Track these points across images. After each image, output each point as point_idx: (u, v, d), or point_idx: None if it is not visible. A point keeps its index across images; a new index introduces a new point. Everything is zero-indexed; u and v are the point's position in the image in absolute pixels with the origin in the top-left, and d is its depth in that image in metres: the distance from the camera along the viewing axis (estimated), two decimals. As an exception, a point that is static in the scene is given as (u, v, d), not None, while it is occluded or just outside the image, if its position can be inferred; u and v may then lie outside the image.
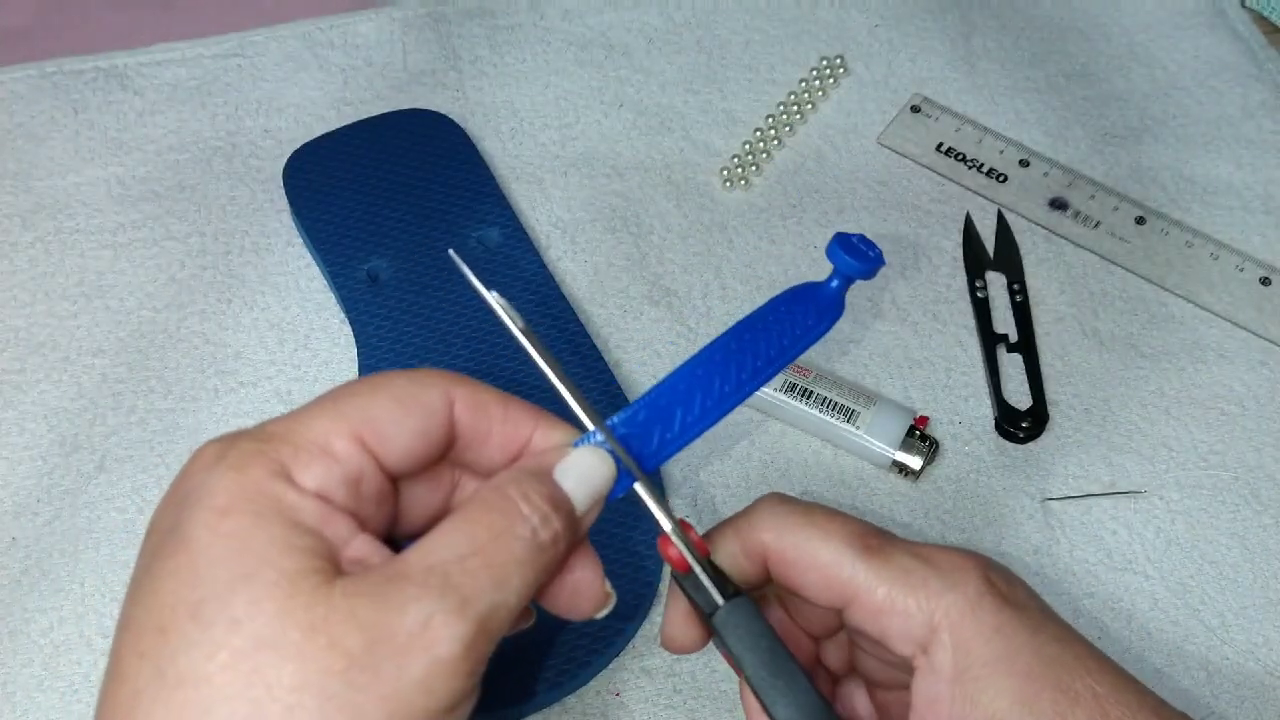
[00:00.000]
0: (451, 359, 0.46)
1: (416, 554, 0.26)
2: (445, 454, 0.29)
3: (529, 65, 0.57)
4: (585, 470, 0.29)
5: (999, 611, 0.29)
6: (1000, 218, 0.53)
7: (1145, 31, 0.60)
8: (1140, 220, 0.53)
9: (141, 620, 0.25)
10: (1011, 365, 0.48)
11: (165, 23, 0.58)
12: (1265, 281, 0.51)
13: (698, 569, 0.31)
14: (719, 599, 0.31)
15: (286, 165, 0.51)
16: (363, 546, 0.26)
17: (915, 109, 0.56)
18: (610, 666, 0.40)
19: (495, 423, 0.30)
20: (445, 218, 0.50)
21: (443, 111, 0.54)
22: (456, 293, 0.48)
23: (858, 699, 0.35)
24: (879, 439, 0.45)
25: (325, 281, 0.49)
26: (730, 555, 0.32)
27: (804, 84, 0.57)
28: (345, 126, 0.53)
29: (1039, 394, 0.47)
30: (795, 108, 0.56)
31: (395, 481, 0.29)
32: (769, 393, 0.45)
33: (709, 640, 0.33)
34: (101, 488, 0.44)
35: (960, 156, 0.55)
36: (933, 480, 0.45)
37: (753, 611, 0.31)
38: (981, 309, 0.50)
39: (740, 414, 0.46)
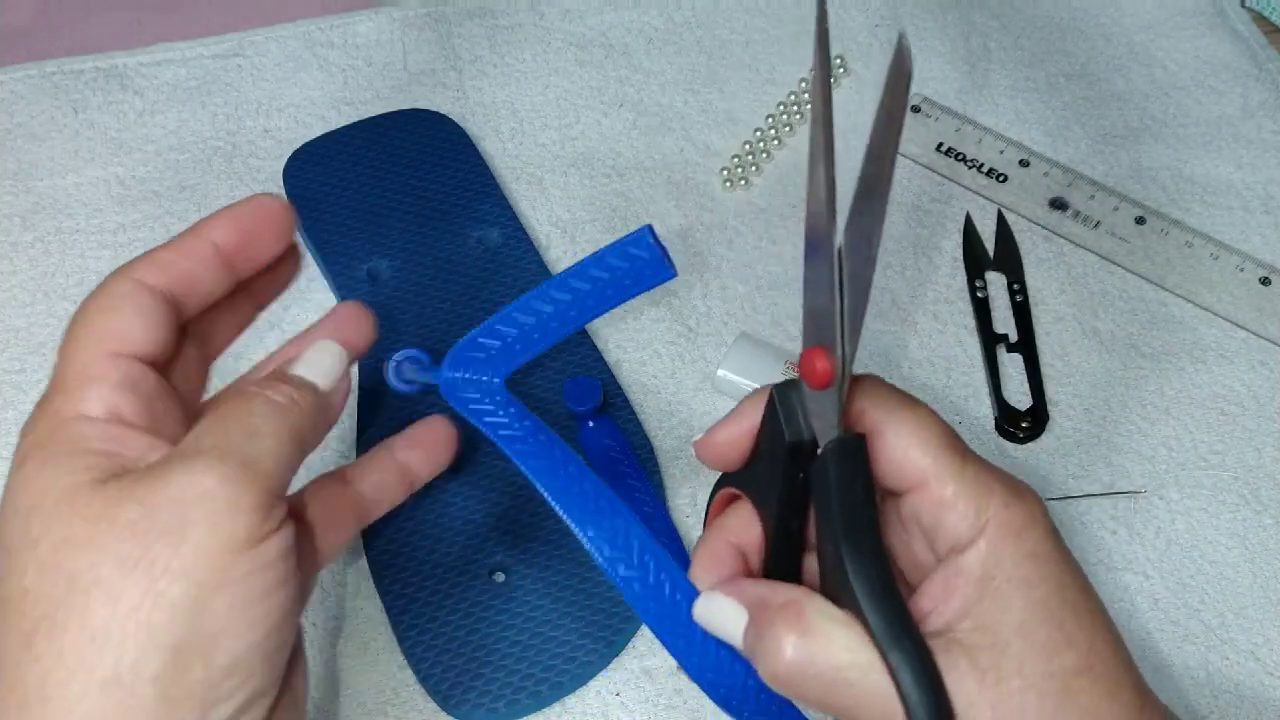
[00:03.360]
0: (451, 359, 0.46)
1: (181, 444, 0.29)
2: (182, 309, 0.32)
3: (529, 65, 0.58)
4: (316, 363, 0.33)
5: (1040, 543, 0.30)
6: (1000, 218, 0.53)
7: (1145, 31, 0.60)
8: (1140, 220, 0.53)
9: None
10: (1011, 365, 0.48)
11: (165, 23, 0.58)
12: (1265, 281, 0.51)
13: (838, 392, 0.29)
14: (836, 429, 0.29)
15: (286, 165, 0.51)
16: (162, 453, 0.29)
17: (915, 109, 0.56)
18: (610, 666, 0.40)
19: (188, 262, 0.32)
20: (445, 218, 0.50)
21: (443, 111, 0.54)
22: (457, 292, 0.48)
23: None
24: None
25: (326, 281, 0.49)
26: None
27: (804, 84, 0.57)
28: (345, 126, 0.53)
29: (1039, 394, 0.47)
30: (795, 108, 0.56)
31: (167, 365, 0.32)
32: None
33: (744, 462, 0.32)
34: (102, 488, 0.44)
35: (960, 156, 0.55)
36: (933, 480, 0.45)
37: (864, 452, 0.30)
38: (981, 309, 0.50)
39: (740, 414, 0.46)
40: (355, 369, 0.47)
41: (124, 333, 0.30)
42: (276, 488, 0.29)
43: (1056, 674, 0.28)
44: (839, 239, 0.29)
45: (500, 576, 0.41)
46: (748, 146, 0.55)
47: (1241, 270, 0.51)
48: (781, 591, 0.30)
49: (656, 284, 0.35)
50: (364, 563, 0.42)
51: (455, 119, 0.54)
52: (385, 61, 0.57)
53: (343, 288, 0.48)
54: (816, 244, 0.29)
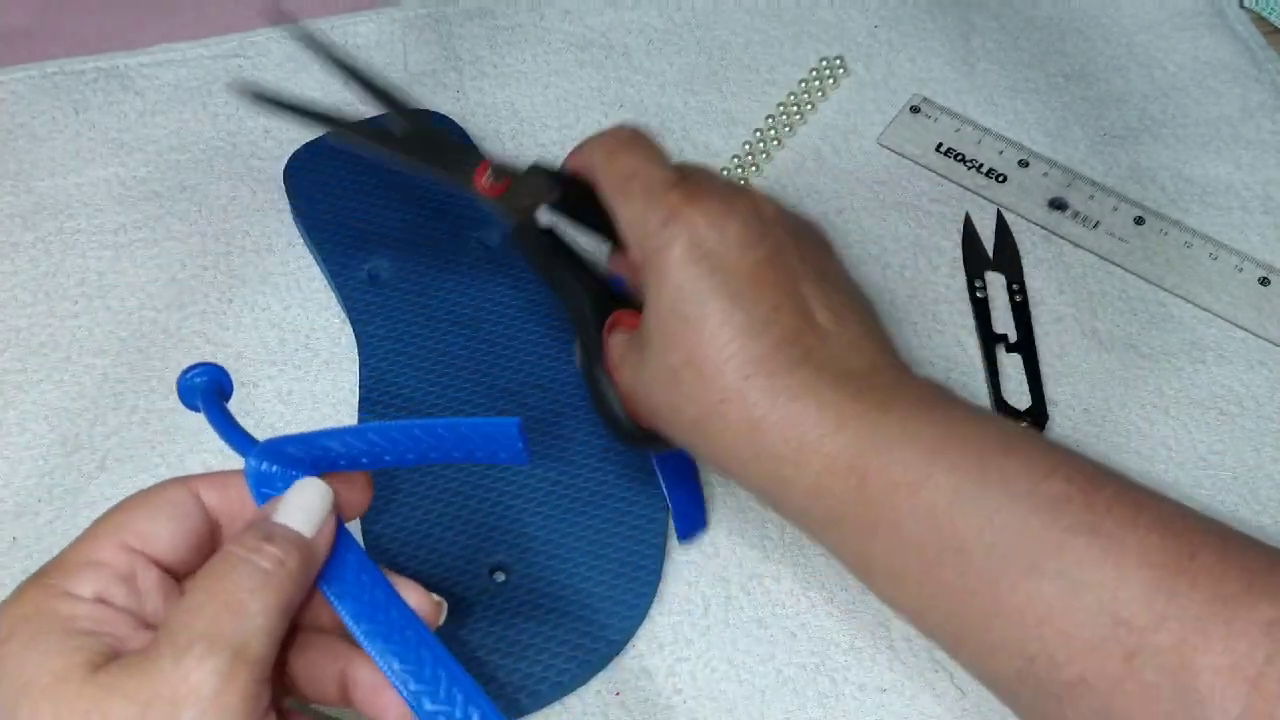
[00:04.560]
0: (451, 359, 0.46)
1: (165, 625, 0.29)
2: (220, 534, 0.33)
3: (529, 66, 0.58)
4: (299, 506, 0.32)
5: (681, 263, 0.36)
6: (1000, 218, 0.53)
7: (1144, 32, 0.60)
8: (1139, 220, 0.53)
9: None
10: (1011, 365, 0.48)
11: (166, 23, 0.58)
12: (1264, 282, 0.51)
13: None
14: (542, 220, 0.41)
15: (287, 165, 0.51)
16: (148, 639, 0.29)
17: (915, 109, 0.56)
18: (610, 666, 0.40)
19: (248, 498, 0.33)
20: (445, 218, 0.50)
21: (443, 112, 0.54)
22: (457, 292, 0.48)
23: None
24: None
25: (326, 281, 0.49)
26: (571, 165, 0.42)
27: (804, 84, 0.57)
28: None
29: (1038, 394, 0.47)
30: (795, 108, 0.56)
31: (183, 575, 0.32)
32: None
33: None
34: (102, 488, 0.44)
35: (960, 157, 0.55)
36: (932, 480, 0.45)
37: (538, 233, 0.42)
38: (981, 309, 0.50)
39: (740, 414, 0.47)
40: (356, 351, 0.47)
41: (147, 533, 0.31)
42: (265, 673, 0.29)
43: (668, 369, 0.36)
44: None
45: (500, 576, 0.41)
46: (747, 147, 0.55)
47: (1240, 270, 0.51)
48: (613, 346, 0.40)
49: (503, 463, 0.35)
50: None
51: (455, 119, 0.54)
52: (386, 62, 0.57)
53: (343, 288, 0.48)
54: None
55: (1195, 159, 0.55)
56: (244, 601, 0.29)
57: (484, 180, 0.41)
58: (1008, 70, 0.58)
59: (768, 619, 0.42)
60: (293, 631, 0.32)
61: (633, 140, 0.40)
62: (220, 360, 0.47)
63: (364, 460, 0.33)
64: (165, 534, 0.31)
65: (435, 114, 0.54)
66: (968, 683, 0.40)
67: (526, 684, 0.39)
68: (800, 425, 0.34)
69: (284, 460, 0.33)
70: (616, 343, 0.39)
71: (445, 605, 0.33)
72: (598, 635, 0.40)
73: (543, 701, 0.39)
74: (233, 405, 0.46)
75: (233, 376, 0.47)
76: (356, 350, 0.47)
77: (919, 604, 0.34)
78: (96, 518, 0.32)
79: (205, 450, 0.45)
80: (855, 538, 0.35)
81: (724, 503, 0.44)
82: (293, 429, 0.46)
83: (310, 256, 0.50)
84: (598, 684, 0.40)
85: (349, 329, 0.48)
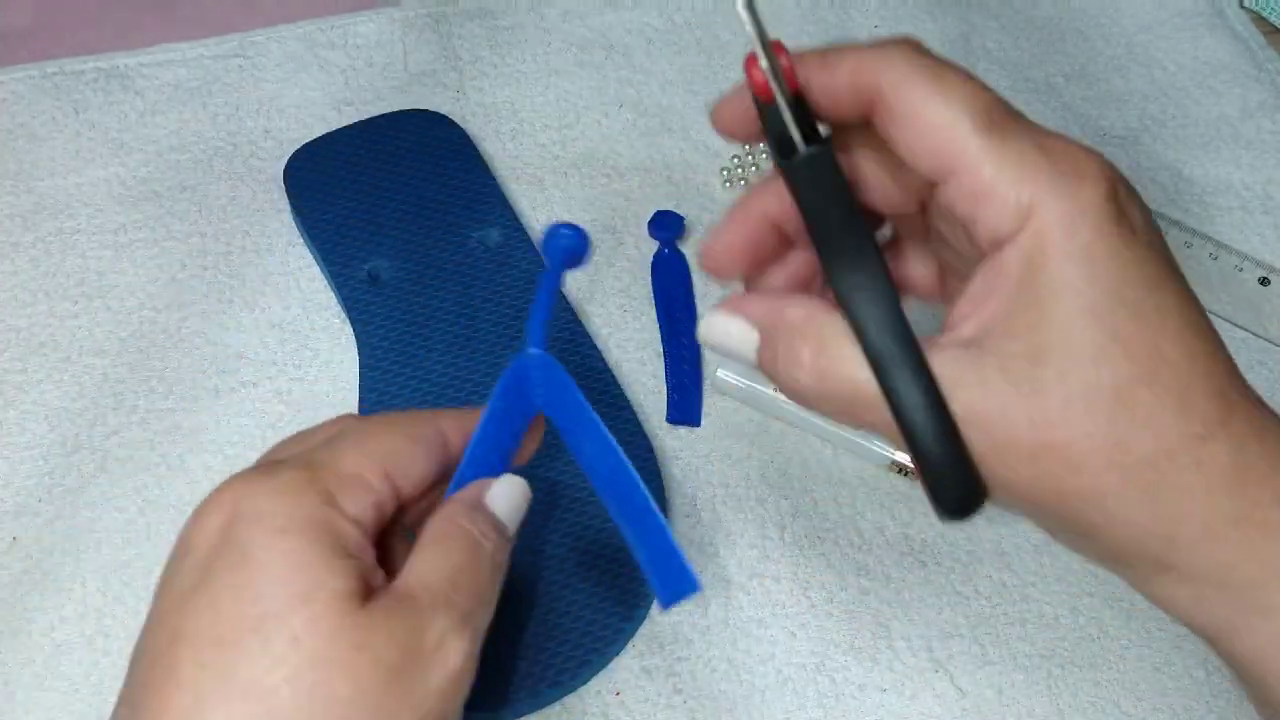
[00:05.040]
0: (452, 358, 0.46)
1: (416, 577, 0.29)
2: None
3: (529, 66, 0.58)
4: (509, 497, 0.33)
5: (1096, 234, 0.25)
6: (1000, 218, 0.53)
7: (1144, 32, 0.60)
8: (1139, 220, 0.53)
9: (200, 632, 0.27)
10: (1011, 365, 0.48)
11: (166, 23, 0.59)
12: (1264, 282, 0.51)
13: (782, 103, 0.27)
14: (800, 144, 0.27)
15: (287, 165, 0.51)
16: (381, 578, 0.30)
17: (915, 109, 0.56)
18: (610, 666, 0.40)
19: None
20: (445, 218, 0.50)
21: (443, 112, 0.54)
22: (457, 292, 0.48)
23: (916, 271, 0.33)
24: (879, 439, 0.45)
25: (326, 281, 0.49)
26: (832, 87, 0.28)
27: (804, 84, 0.57)
28: (346, 127, 0.53)
29: (1039, 394, 0.47)
30: (795, 108, 0.56)
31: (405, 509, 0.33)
32: (770, 393, 0.45)
33: (753, 270, 0.32)
34: (103, 488, 0.44)
35: (960, 157, 0.55)
36: (932, 480, 0.45)
37: (832, 166, 0.27)
38: (981, 309, 0.50)
39: (741, 414, 0.47)
40: (356, 351, 0.47)
41: (408, 469, 0.32)
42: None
43: (1107, 386, 0.25)
44: None
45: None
46: (747, 146, 0.55)
47: (1240, 270, 0.51)
48: (795, 306, 0.28)
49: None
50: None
51: (455, 119, 0.54)
52: (386, 62, 0.57)
53: (343, 288, 0.48)
54: None
55: (1195, 159, 0.55)
56: (485, 589, 0.31)
57: (756, 74, 0.28)
58: (1008, 70, 0.58)
59: (768, 619, 0.42)
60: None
61: (940, 70, 0.28)
62: (221, 360, 0.48)
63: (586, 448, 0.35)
64: (420, 471, 0.32)
65: (435, 114, 0.54)
66: (968, 683, 0.40)
67: (526, 684, 0.39)
68: None
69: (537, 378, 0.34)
70: (958, 363, 0.26)
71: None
72: (597, 635, 0.40)
73: (543, 702, 0.39)
74: (232, 405, 0.47)
75: (232, 377, 0.47)
76: (356, 350, 0.47)
77: None
78: (346, 429, 0.32)
79: (205, 451, 0.45)
80: None
81: (724, 503, 0.44)
82: (293, 429, 0.45)
83: (310, 256, 0.50)
84: (598, 684, 0.40)
85: (349, 329, 0.48)
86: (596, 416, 0.34)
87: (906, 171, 0.28)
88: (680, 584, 0.33)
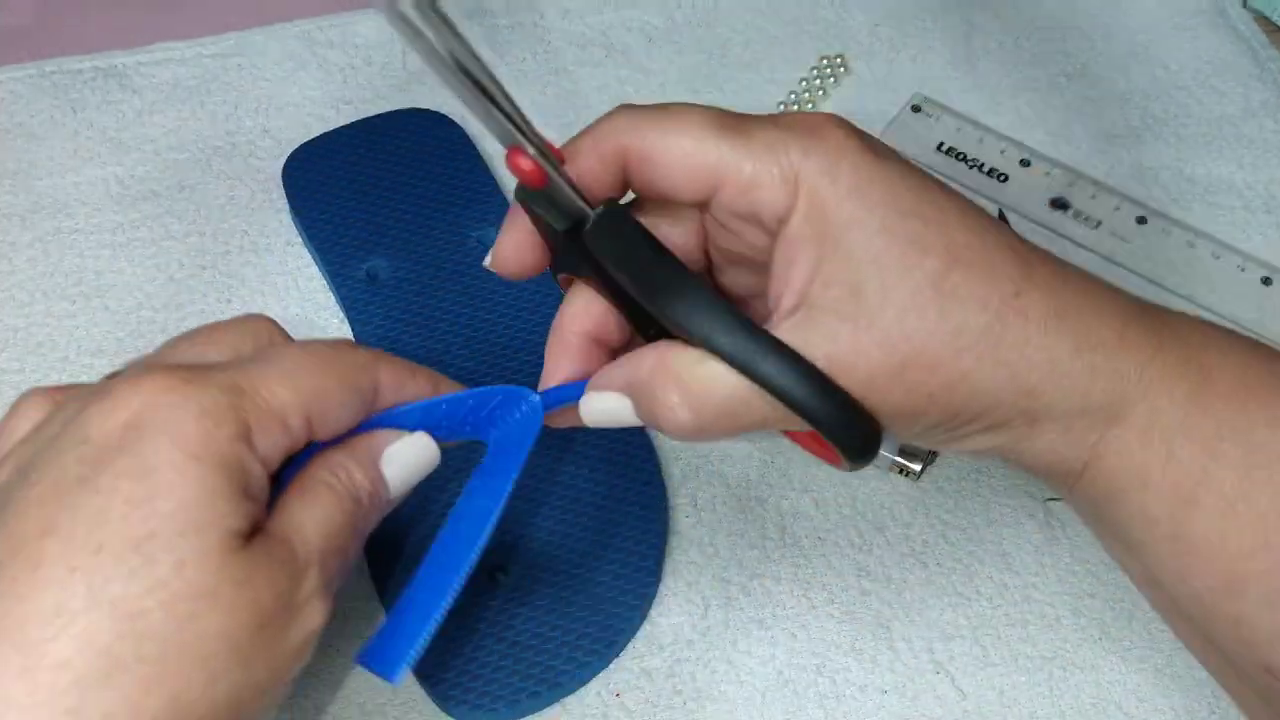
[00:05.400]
0: (451, 359, 0.46)
1: (295, 528, 0.29)
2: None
3: (529, 65, 0.57)
4: (409, 460, 0.32)
5: (854, 172, 0.28)
6: (1001, 217, 0.53)
7: (1146, 31, 0.60)
8: (1141, 220, 0.52)
9: (77, 533, 0.26)
10: (1012, 365, 0.48)
11: (164, 22, 0.58)
12: (1267, 281, 0.51)
13: (556, 177, 0.28)
14: (587, 208, 0.29)
15: (286, 165, 0.51)
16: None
17: (916, 108, 0.56)
18: (610, 667, 0.40)
19: (407, 398, 0.33)
20: (445, 217, 0.50)
21: (442, 111, 0.54)
22: (456, 292, 0.48)
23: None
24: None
25: (324, 281, 0.49)
26: (587, 168, 0.30)
27: (804, 83, 0.57)
28: (345, 126, 0.53)
29: (1040, 394, 0.47)
30: (796, 107, 0.56)
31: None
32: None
33: (547, 264, 0.32)
34: (100, 488, 0.44)
35: (961, 156, 0.55)
36: (933, 480, 0.45)
37: (627, 215, 0.29)
38: (982, 309, 0.49)
39: (740, 414, 0.46)
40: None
41: (329, 416, 0.30)
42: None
43: (924, 285, 0.28)
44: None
45: (500, 576, 0.41)
46: (748, 146, 0.55)
47: (1243, 270, 0.51)
48: (642, 360, 0.30)
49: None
50: (363, 562, 0.42)
51: (455, 118, 0.54)
52: (385, 61, 0.57)
53: (342, 287, 0.48)
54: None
55: (1197, 158, 0.55)
56: (349, 546, 0.30)
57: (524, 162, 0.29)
58: (1009, 69, 0.58)
59: (768, 620, 0.42)
60: None
61: (663, 108, 0.31)
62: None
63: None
64: (343, 421, 0.31)
65: (434, 113, 0.54)
66: (969, 684, 0.40)
67: (526, 685, 0.39)
68: (1109, 306, 0.29)
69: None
70: (797, 327, 0.28)
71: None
72: (597, 636, 0.40)
73: (543, 702, 0.39)
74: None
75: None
76: (355, 350, 0.47)
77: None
78: (277, 351, 0.31)
79: (203, 450, 0.45)
80: (1199, 454, 0.29)
81: (724, 503, 0.44)
82: (291, 429, 0.46)
83: (309, 256, 0.50)
84: (598, 684, 0.40)
85: (348, 329, 0.48)
86: (509, 488, 0.32)
87: (680, 212, 0.31)
88: (389, 658, 0.31)
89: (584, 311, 0.32)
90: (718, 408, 0.29)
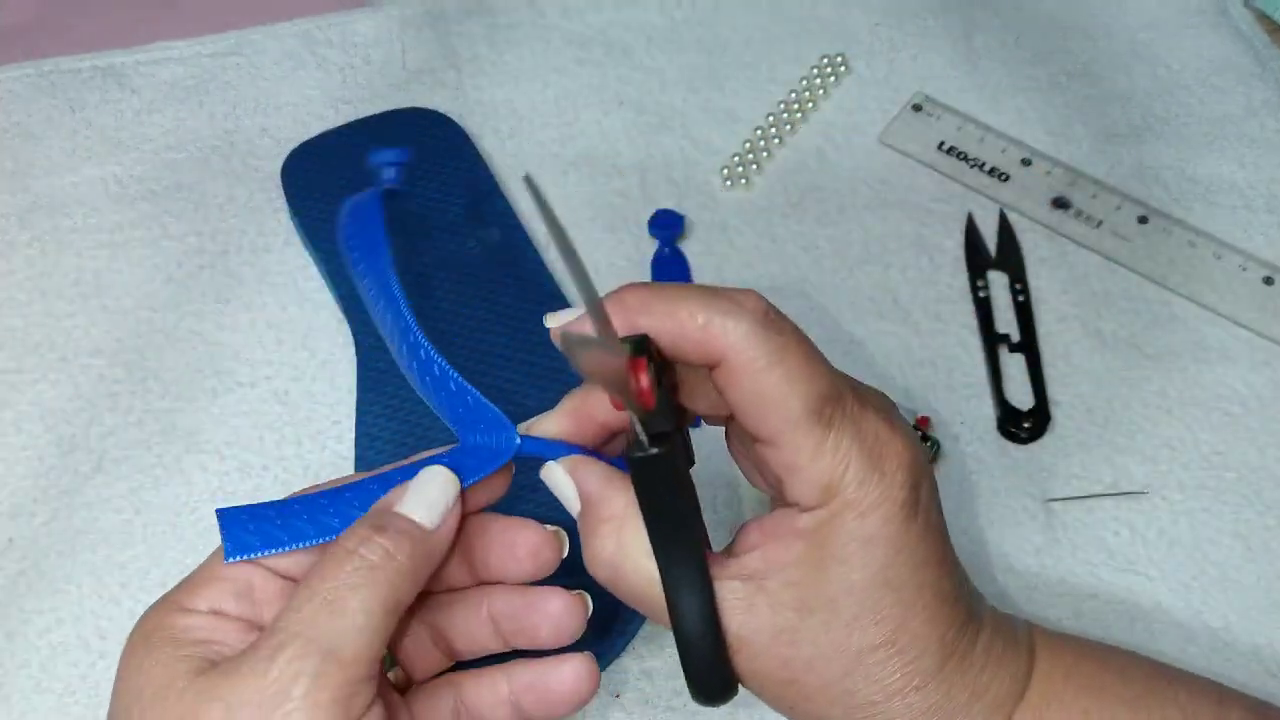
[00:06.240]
0: (450, 358, 0.46)
1: (269, 626, 0.28)
2: None
3: (528, 64, 0.57)
4: (419, 489, 0.31)
5: (883, 525, 0.29)
6: (1002, 217, 0.53)
7: (1148, 30, 0.60)
8: (1143, 219, 0.52)
9: None
10: (1013, 365, 0.48)
11: (163, 21, 0.58)
12: (1268, 281, 0.50)
13: (636, 421, 0.29)
14: (646, 443, 0.29)
15: (285, 164, 0.51)
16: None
17: (917, 107, 0.56)
18: (610, 667, 0.40)
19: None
20: (445, 217, 0.50)
21: (442, 110, 0.54)
22: (456, 292, 0.48)
23: None
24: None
25: (323, 281, 0.49)
26: (679, 340, 0.30)
27: (805, 82, 0.57)
28: (344, 125, 0.53)
29: (1041, 394, 0.47)
30: (796, 106, 0.56)
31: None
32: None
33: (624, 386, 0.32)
34: (99, 488, 0.44)
35: (962, 155, 0.54)
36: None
37: (670, 467, 0.29)
38: (983, 309, 0.49)
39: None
40: (354, 351, 0.47)
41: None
42: (364, 671, 0.28)
43: (852, 650, 0.29)
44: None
45: (499, 578, 0.41)
46: (748, 145, 0.55)
47: (1244, 270, 0.51)
48: (614, 500, 0.31)
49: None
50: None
51: (454, 118, 0.54)
52: (384, 60, 0.57)
53: (341, 287, 0.48)
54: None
55: (1199, 158, 0.55)
56: (344, 599, 0.28)
57: (644, 382, 0.29)
58: (1010, 68, 0.58)
59: (768, 621, 0.41)
60: (423, 597, 0.32)
61: (788, 332, 0.30)
62: (218, 360, 0.47)
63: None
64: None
65: (433, 112, 0.53)
66: (970, 685, 0.40)
67: (525, 687, 0.39)
68: (989, 691, 0.31)
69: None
70: (737, 593, 0.30)
71: (563, 535, 0.33)
72: (597, 637, 0.40)
73: (542, 704, 0.39)
74: (228, 405, 0.46)
75: (229, 377, 0.47)
76: (354, 350, 0.47)
77: None
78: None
79: (202, 451, 0.45)
80: None
81: (725, 504, 0.44)
82: (290, 429, 0.46)
83: (307, 256, 0.50)
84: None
85: (346, 329, 0.48)
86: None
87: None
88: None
89: (610, 409, 0.32)
90: (628, 590, 0.31)
